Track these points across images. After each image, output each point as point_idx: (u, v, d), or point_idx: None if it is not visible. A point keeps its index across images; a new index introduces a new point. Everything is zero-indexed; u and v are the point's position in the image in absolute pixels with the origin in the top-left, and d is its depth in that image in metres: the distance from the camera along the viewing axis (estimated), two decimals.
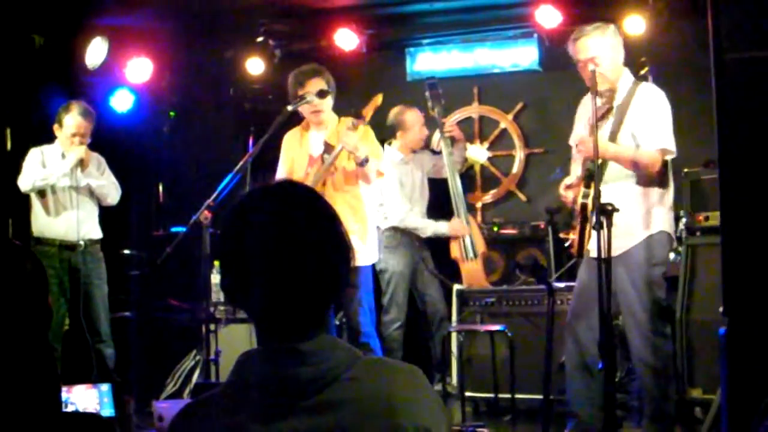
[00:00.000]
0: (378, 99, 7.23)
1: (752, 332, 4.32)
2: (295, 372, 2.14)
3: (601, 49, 6.18)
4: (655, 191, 6.17)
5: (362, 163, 6.87)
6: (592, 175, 5.92)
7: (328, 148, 7.02)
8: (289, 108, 6.89)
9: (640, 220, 6.07)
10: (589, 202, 5.87)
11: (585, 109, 6.34)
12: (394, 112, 8.72)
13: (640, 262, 6.09)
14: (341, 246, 2.29)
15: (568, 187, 6.31)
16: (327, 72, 7.21)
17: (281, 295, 2.20)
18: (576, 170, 6.37)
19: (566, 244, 8.11)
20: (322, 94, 7.00)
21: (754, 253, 4.35)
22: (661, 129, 6.10)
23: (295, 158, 7.27)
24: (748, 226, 4.35)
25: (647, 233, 6.11)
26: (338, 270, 2.28)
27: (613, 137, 6.13)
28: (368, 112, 7.10)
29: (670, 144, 6.10)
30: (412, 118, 8.78)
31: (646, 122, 6.11)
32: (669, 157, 6.16)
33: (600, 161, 6.02)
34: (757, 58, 4.19)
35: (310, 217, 2.26)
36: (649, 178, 6.14)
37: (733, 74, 4.23)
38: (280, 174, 7.29)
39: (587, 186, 5.95)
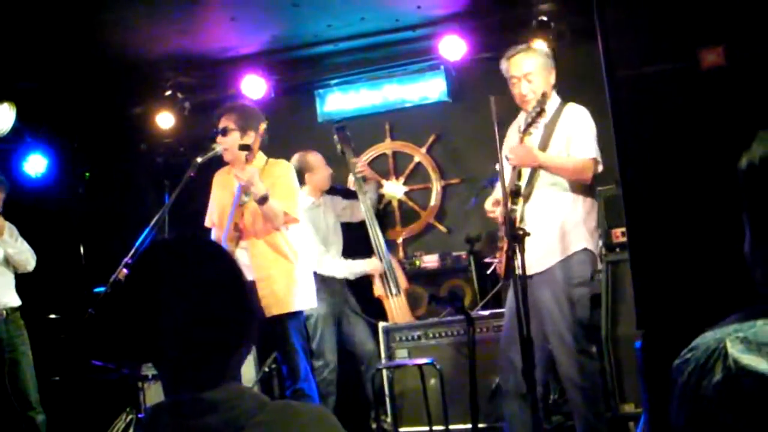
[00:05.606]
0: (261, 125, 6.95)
1: (667, 342, 4.36)
2: (203, 422, 2.14)
3: (534, 66, 6.28)
4: (584, 204, 6.25)
5: (260, 201, 6.60)
6: (518, 191, 6.00)
7: (244, 188, 6.76)
8: (199, 160, 6.76)
9: (565, 236, 6.11)
10: (517, 217, 5.96)
11: (515, 128, 6.40)
12: (296, 158, 8.55)
13: (561, 281, 6.14)
14: (243, 299, 2.31)
15: (496, 202, 6.34)
16: (242, 109, 7.04)
17: (184, 348, 2.20)
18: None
19: (489, 271, 8.17)
20: (224, 132, 6.87)
21: (662, 264, 4.41)
22: (591, 141, 6.19)
23: (222, 199, 7.06)
24: (653, 238, 4.40)
25: (570, 251, 6.16)
26: (241, 322, 2.29)
27: (542, 150, 6.19)
28: (254, 141, 6.81)
29: (599, 156, 6.18)
30: (315, 158, 8.69)
31: (576, 135, 6.19)
32: (599, 168, 6.22)
33: (530, 170, 6.12)
34: (647, 73, 4.27)
35: (210, 272, 2.27)
36: (581, 188, 6.22)
37: (626, 91, 4.29)
38: (209, 216, 7.18)
39: (514, 202, 6.01)
